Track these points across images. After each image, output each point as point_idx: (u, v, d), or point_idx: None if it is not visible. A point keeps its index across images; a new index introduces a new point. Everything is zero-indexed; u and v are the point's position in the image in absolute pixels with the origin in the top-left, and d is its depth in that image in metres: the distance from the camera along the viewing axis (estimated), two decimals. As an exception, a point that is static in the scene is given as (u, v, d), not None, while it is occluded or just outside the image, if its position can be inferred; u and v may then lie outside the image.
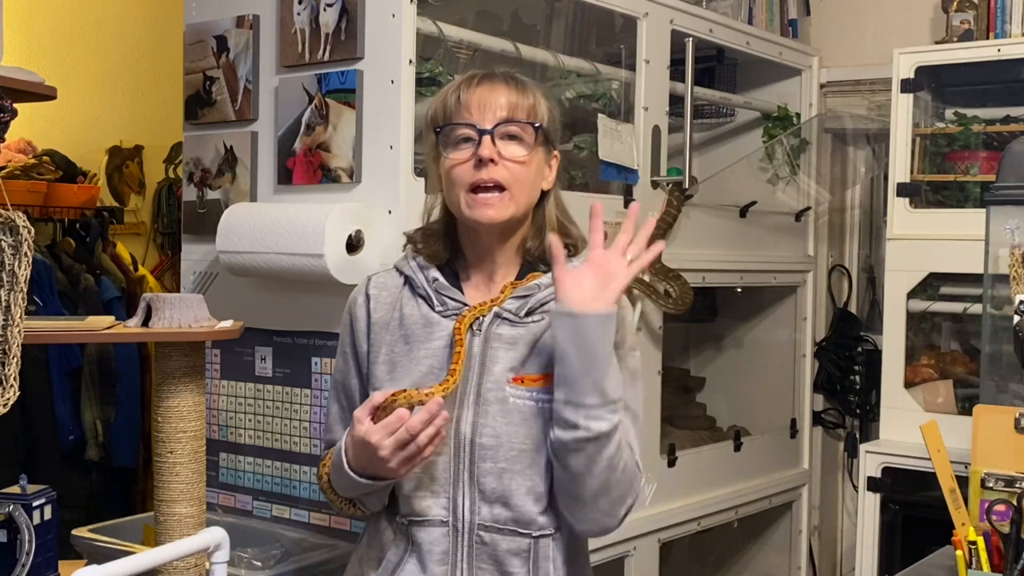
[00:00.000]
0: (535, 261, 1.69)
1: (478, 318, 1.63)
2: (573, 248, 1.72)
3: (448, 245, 1.71)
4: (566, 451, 1.52)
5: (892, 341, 3.06)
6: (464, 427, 1.58)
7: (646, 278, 2.82)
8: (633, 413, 1.62)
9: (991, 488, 1.95)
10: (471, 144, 1.61)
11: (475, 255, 1.69)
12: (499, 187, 1.60)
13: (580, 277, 1.51)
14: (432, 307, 1.66)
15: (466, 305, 1.64)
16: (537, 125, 1.63)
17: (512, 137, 1.61)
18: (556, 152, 1.70)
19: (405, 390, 1.54)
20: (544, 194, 1.69)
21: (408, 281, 1.70)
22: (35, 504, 1.72)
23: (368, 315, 1.70)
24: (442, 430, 1.51)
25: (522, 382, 1.58)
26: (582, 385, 1.50)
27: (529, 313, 1.63)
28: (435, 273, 1.68)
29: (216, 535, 1.77)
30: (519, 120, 1.61)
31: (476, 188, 1.60)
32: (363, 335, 1.70)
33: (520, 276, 1.68)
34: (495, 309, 1.63)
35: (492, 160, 1.59)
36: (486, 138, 1.59)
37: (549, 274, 1.65)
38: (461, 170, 1.61)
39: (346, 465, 1.58)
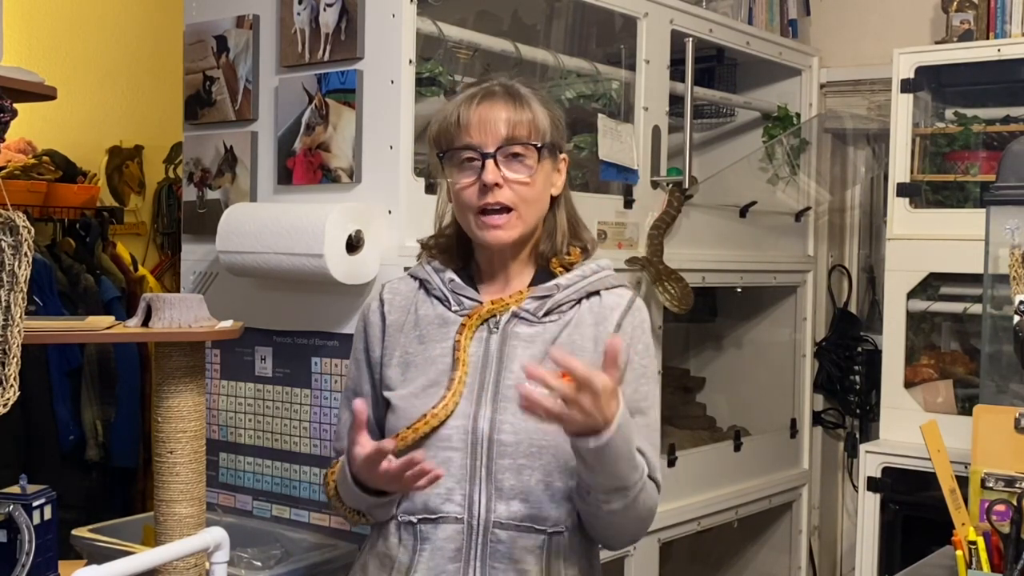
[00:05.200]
0: (548, 264, 1.70)
1: (495, 315, 1.64)
2: (584, 252, 1.72)
3: (461, 253, 1.72)
4: (588, 515, 1.59)
5: (892, 341, 3.05)
6: (482, 424, 1.58)
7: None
8: (649, 417, 1.64)
9: (991, 488, 1.95)
10: (475, 166, 1.61)
11: (488, 265, 1.71)
12: (506, 208, 1.61)
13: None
14: (448, 307, 1.67)
15: (482, 304, 1.66)
16: (539, 145, 1.62)
17: (516, 156, 1.62)
18: (564, 156, 1.70)
19: (410, 426, 1.58)
20: (554, 199, 1.70)
21: (423, 284, 1.71)
22: (35, 504, 1.72)
23: (383, 319, 1.71)
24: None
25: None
26: (601, 485, 1.51)
27: (547, 313, 1.64)
28: (451, 275, 1.69)
29: (216, 535, 1.77)
30: (521, 140, 1.61)
31: (483, 211, 1.61)
32: (377, 340, 1.71)
33: (535, 281, 1.69)
34: (513, 308, 1.64)
35: (497, 184, 1.59)
36: (489, 163, 1.60)
37: (567, 275, 1.67)
38: (468, 193, 1.62)
39: (350, 478, 1.58)
